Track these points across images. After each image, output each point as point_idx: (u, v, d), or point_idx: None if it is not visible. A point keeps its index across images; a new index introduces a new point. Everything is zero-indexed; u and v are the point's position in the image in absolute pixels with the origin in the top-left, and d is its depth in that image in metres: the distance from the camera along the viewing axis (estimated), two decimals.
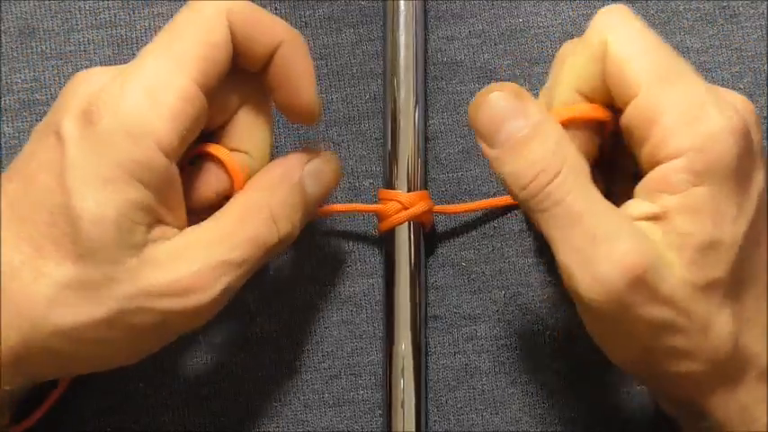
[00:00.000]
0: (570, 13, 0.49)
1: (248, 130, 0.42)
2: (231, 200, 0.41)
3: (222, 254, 0.39)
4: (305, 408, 0.47)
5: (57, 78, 0.48)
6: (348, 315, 0.48)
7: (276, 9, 0.49)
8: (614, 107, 0.40)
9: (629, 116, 0.38)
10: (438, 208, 0.47)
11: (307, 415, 0.47)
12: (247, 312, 0.47)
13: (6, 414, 0.41)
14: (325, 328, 0.48)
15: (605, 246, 0.36)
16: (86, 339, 0.38)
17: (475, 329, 0.48)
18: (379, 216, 0.47)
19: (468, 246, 0.48)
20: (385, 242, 0.47)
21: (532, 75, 0.49)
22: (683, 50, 0.49)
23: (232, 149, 0.42)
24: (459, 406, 0.48)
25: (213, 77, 0.39)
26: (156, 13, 0.49)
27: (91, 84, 0.38)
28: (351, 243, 0.48)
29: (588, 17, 0.49)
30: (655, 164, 0.37)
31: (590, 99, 0.40)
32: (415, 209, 0.46)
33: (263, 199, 0.41)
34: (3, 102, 0.48)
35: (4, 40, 0.49)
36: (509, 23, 0.49)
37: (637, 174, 0.39)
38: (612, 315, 0.37)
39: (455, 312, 0.48)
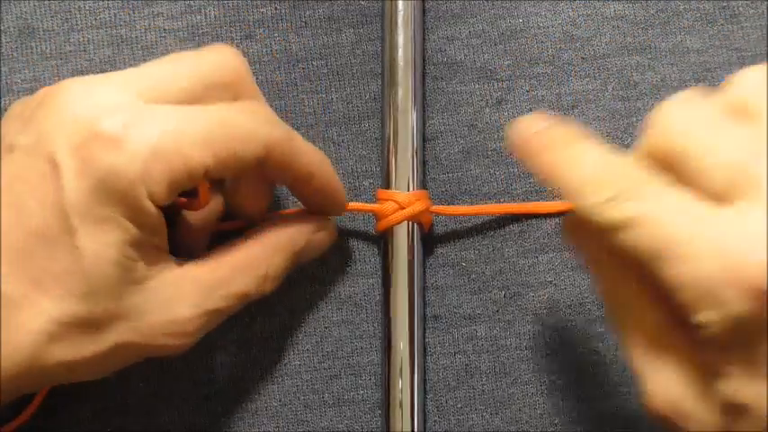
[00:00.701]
0: (570, 13, 0.49)
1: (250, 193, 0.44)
2: (236, 244, 0.43)
3: (214, 303, 0.41)
4: (305, 408, 0.47)
5: (56, 78, 0.48)
6: (348, 315, 0.48)
7: (276, 9, 0.49)
8: None
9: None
10: (435, 208, 0.47)
11: (307, 415, 0.47)
12: (247, 312, 0.47)
13: None
14: (325, 328, 0.48)
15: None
16: (82, 369, 0.39)
17: (475, 329, 0.48)
18: (377, 216, 0.47)
19: (468, 246, 0.48)
20: (383, 242, 0.47)
21: (532, 75, 0.49)
22: (683, 50, 0.49)
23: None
24: (459, 406, 0.48)
25: (225, 172, 0.40)
26: (156, 13, 0.49)
27: (85, 104, 0.38)
28: (351, 243, 0.48)
29: (588, 17, 0.49)
30: None
31: None
32: (411, 209, 0.46)
33: (263, 258, 0.43)
34: (3, 102, 0.48)
35: (4, 40, 0.48)
36: (509, 23, 0.49)
37: None
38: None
39: (455, 312, 0.48)
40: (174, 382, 0.47)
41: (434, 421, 0.47)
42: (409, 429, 0.46)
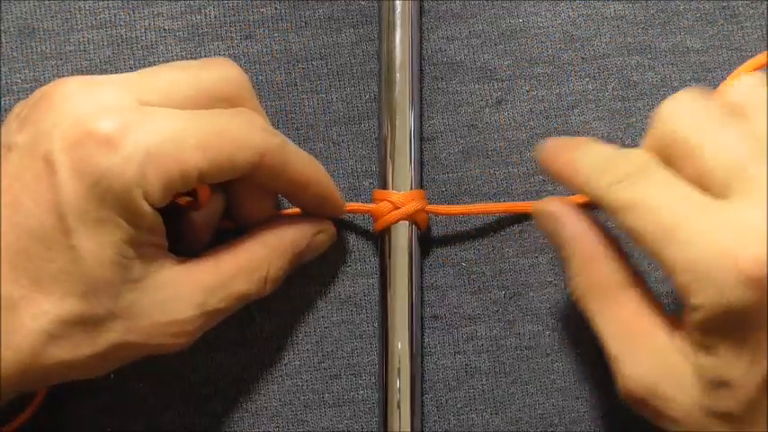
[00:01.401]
0: (570, 13, 0.49)
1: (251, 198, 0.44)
2: (238, 244, 0.43)
3: (213, 303, 0.41)
4: (305, 408, 0.47)
5: (56, 78, 0.48)
6: (348, 315, 0.48)
7: (276, 9, 0.49)
8: None
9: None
10: (430, 208, 0.47)
11: (307, 415, 0.47)
12: (247, 312, 0.47)
13: None
14: (325, 328, 0.48)
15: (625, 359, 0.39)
16: (81, 368, 0.39)
17: (475, 329, 0.48)
18: (373, 216, 0.47)
19: (468, 246, 0.48)
20: (380, 242, 0.47)
21: (532, 75, 0.49)
22: (683, 50, 0.49)
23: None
24: (459, 406, 0.48)
25: (219, 177, 0.40)
26: (156, 13, 0.49)
27: (82, 104, 0.38)
28: (351, 243, 0.48)
29: (588, 17, 0.49)
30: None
31: None
32: (405, 208, 0.46)
33: (265, 259, 0.43)
34: (3, 102, 0.48)
35: (4, 40, 0.48)
36: (509, 23, 0.49)
37: None
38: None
39: (455, 312, 0.48)
40: (174, 382, 0.47)
41: (434, 421, 0.47)
42: (407, 429, 0.45)
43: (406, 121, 0.47)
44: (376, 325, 0.48)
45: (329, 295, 0.48)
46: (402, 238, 0.46)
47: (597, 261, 0.40)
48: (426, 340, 0.48)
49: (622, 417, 0.47)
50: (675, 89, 0.49)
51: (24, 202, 0.37)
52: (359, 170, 0.49)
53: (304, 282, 0.48)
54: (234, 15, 0.49)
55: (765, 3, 0.49)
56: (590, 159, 0.40)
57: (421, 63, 0.49)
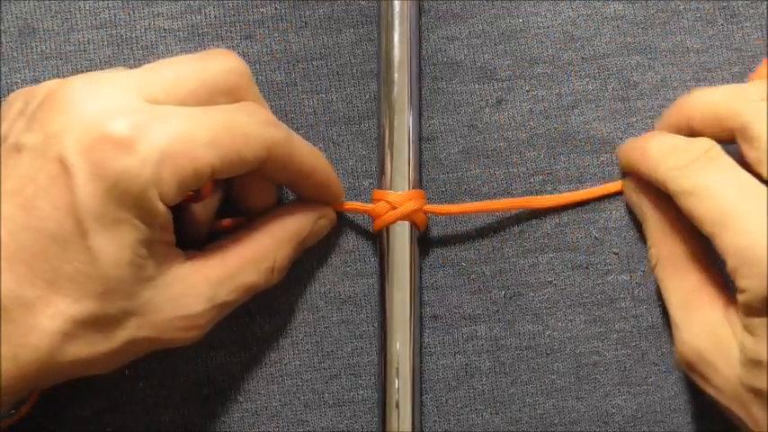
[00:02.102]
0: (570, 13, 0.49)
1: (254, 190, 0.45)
2: (243, 236, 0.43)
3: (223, 296, 0.42)
4: (305, 408, 0.47)
5: (56, 78, 0.48)
6: (348, 315, 0.48)
7: (276, 9, 0.49)
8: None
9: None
10: (428, 207, 0.47)
11: (307, 415, 0.47)
12: (247, 312, 0.47)
13: None
14: (325, 328, 0.48)
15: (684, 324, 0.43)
16: (95, 365, 0.39)
17: (475, 329, 0.48)
18: (372, 216, 0.47)
19: (468, 246, 0.48)
20: (378, 242, 0.47)
21: (532, 75, 0.49)
22: (683, 50, 0.49)
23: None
24: (459, 406, 0.48)
25: (230, 172, 0.40)
26: (156, 13, 0.49)
27: (92, 105, 0.38)
28: (351, 243, 0.48)
29: (588, 17, 0.49)
30: None
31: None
32: (402, 208, 0.46)
33: (271, 249, 0.44)
34: (3, 102, 0.48)
35: (4, 40, 0.48)
36: (509, 23, 0.49)
37: None
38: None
39: (455, 312, 0.48)
40: (174, 382, 0.47)
41: (434, 421, 0.47)
42: (406, 429, 0.45)
43: (404, 120, 0.47)
44: (376, 325, 0.48)
45: (329, 295, 0.48)
46: (400, 238, 0.46)
47: (670, 235, 0.44)
48: (426, 340, 0.48)
49: (622, 417, 0.47)
50: (675, 89, 0.49)
51: (40, 204, 0.37)
52: (359, 170, 0.49)
53: (304, 282, 0.48)
54: (234, 15, 0.49)
55: (765, 3, 0.49)
56: (658, 147, 0.43)
57: (420, 63, 0.49)
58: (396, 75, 0.47)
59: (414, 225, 0.47)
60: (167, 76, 0.40)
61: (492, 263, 0.48)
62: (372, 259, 0.48)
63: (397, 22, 0.47)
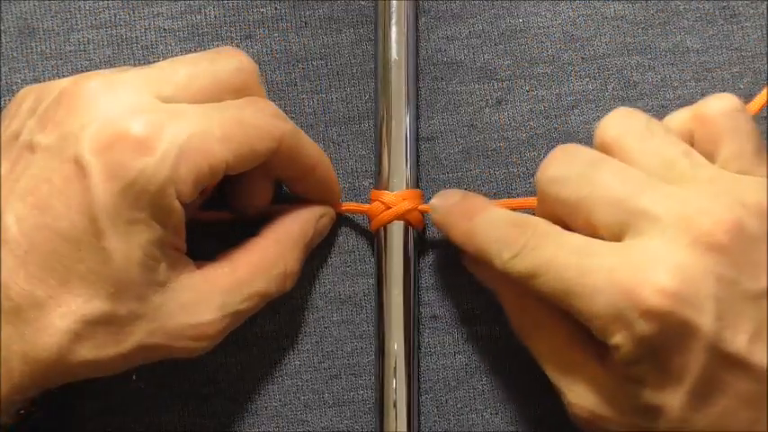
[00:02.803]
0: (570, 14, 0.49)
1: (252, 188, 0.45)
2: (251, 245, 0.43)
3: (235, 305, 0.42)
4: (305, 408, 0.47)
5: (56, 78, 0.48)
6: (348, 315, 0.48)
7: (276, 9, 0.49)
8: None
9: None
10: (424, 207, 0.47)
11: (307, 415, 0.47)
12: None
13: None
14: (325, 328, 0.48)
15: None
16: (103, 368, 0.39)
17: (475, 329, 0.48)
18: (369, 216, 0.47)
19: None
20: (376, 242, 0.47)
21: (532, 75, 0.49)
22: (683, 50, 0.49)
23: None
24: (459, 406, 0.48)
25: (243, 167, 0.41)
26: (156, 13, 0.49)
27: (107, 105, 0.38)
28: (351, 243, 0.48)
29: (588, 17, 0.49)
30: None
31: None
32: (397, 208, 0.46)
33: (280, 255, 0.44)
34: (3, 102, 0.48)
35: (4, 40, 0.48)
36: (509, 23, 0.49)
37: None
38: None
39: (455, 312, 0.48)
40: (174, 382, 0.47)
41: (434, 421, 0.47)
42: (404, 429, 0.45)
43: (402, 120, 0.47)
44: (376, 325, 0.48)
45: (329, 295, 0.48)
46: (397, 238, 0.46)
47: (524, 299, 0.42)
48: (426, 340, 0.48)
49: None
50: (675, 89, 0.49)
51: (54, 204, 0.38)
52: (359, 170, 0.49)
53: (304, 282, 0.48)
54: (234, 15, 0.49)
55: (765, 3, 0.49)
56: (486, 234, 0.41)
57: (417, 62, 0.49)
58: (393, 74, 0.47)
59: (410, 225, 0.47)
60: (180, 75, 0.40)
61: None
62: (371, 259, 0.48)
63: (394, 21, 0.47)
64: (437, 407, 0.47)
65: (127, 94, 0.38)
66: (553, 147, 0.48)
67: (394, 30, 0.47)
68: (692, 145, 0.42)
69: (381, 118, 0.47)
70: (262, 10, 0.49)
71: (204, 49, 0.47)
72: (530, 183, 0.48)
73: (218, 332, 0.41)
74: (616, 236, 0.38)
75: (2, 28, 0.49)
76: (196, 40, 0.49)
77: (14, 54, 0.49)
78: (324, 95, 0.49)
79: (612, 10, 0.49)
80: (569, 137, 0.49)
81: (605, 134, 0.41)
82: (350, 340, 0.48)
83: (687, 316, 0.37)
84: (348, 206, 0.47)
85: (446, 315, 0.48)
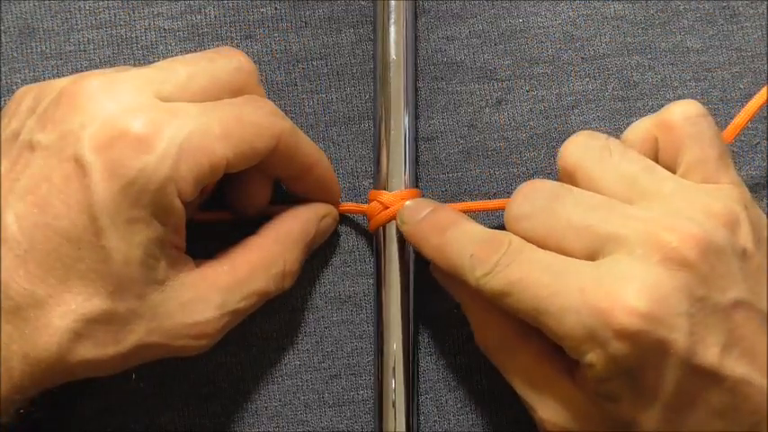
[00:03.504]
0: (570, 14, 0.49)
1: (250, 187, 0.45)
2: (251, 243, 0.43)
3: (233, 303, 0.42)
4: (305, 408, 0.47)
5: (56, 78, 0.48)
6: (348, 315, 0.48)
7: (276, 9, 0.49)
8: None
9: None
10: None
11: (307, 415, 0.47)
12: None
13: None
14: (325, 328, 0.48)
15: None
16: (103, 367, 0.39)
17: None
18: (367, 216, 0.47)
19: None
20: (374, 242, 0.47)
21: (532, 75, 0.49)
22: (683, 50, 0.49)
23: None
24: (459, 406, 0.48)
25: (243, 164, 0.41)
26: (156, 13, 0.49)
27: (108, 104, 0.38)
28: (351, 243, 0.48)
29: (588, 17, 0.49)
30: None
31: None
32: (393, 208, 0.46)
33: (279, 254, 0.44)
34: (3, 102, 0.48)
35: (4, 40, 0.49)
36: (509, 23, 0.49)
37: None
38: None
39: (455, 312, 0.48)
40: (174, 382, 0.47)
41: (434, 421, 0.47)
42: (403, 429, 0.45)
43: (400, 120, 0.47)
44: (376, 325, 0.48)
45: (329, 295, 0.48)
46: (396, 238, 0.46)
47: (490, 319, 0.42)
48: (426, 340, 0.48)
49: None
50: (675, 89, 0.49)
51: (54, 203, 0.38)
52: (359, 170, 0.49)
53: (304, 282, 0.48)
54: (234, 15, 0.49)
55: (765, 3, 0.49)
56: (458, 250, 0.41)
57: (416, 62, 0.49)
58: (392, 74, 0.47)
59: None
60: (180, 75, 0.40)
61: None
62: (371, 259, 0.48)
63: (392, 21, 0.47)
64: (437, 407, 0.48)
65: (127, 94, 0.39)
66: (553, 147, 0.49)
67: (393, 30, 0.47)
68: (656, 153, 0.42)
69: (380, 118, 0.47)
70: (262, 10, 0.49)
71: (204, 49, 0.47)
72: None
73: (217, 331, 0.41)
74: (589, 258, 0.38)
75: (2, 28, 0.49)
76: (196, 40, 0.49)
77: (14, 54, 0.49)
78: (324, 95, 0.49)
79: (612, 10, 0.49)
80: (569, 137, 0.48)
81: (566, 161, 0.41)
82: (350, 340, 0.48)
83: (660, 335, 0.37)
84: (346, 206, 0.47)
85: (446, 315, 0.48)
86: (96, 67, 0.48)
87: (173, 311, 0.40)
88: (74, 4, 0.49)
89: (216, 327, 0.41)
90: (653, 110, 0.48)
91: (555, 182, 0.41)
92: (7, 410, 0.39)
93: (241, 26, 0.49)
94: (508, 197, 0.48)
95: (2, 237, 0.38)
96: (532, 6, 0.49)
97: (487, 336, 0.43)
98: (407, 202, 0.45)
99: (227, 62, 0.42)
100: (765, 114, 0.48)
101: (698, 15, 0.49)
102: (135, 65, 0.48)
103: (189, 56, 0.42)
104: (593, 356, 0.37)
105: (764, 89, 0.45)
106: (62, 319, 0.38)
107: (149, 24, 0.49)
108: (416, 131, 0.48)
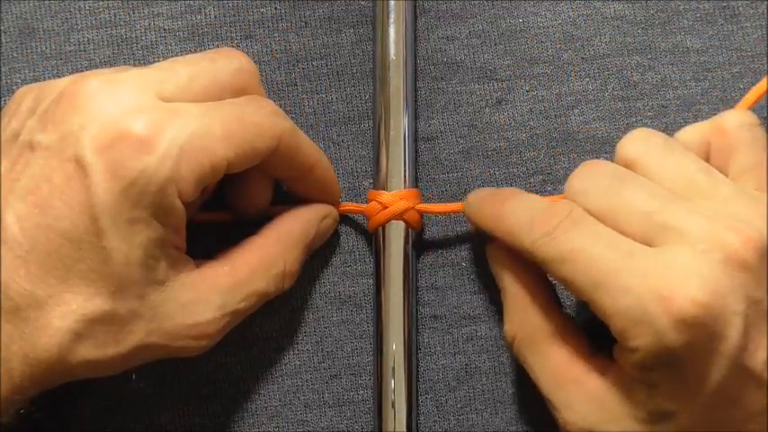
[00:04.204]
0: (570, 14, 0.49)
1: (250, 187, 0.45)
2: (251, 244, 0.43)
3: (233, 304, 0.42)
4: (305, 408, 0.47)
5: (56, 78, 0.48)
6: (348, 315, 0.48)
7: (276, 9, 0.49)
8: None
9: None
10: (421, 207, 0.47)
11: (307, 415, 0.47)
12: None
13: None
14: (325, 328, 0.48)
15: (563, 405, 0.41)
16: (103, 367, 0.39)
17: (475, 329, 0.48)
18: (367, 216, 0.47)
19: (467, 245, 0.48)
20: (374, 242, 0.47)
21: (532, 75, 0.49)
22: (683, 50, 0.49)
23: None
24: (459, 406, 0.48)
25: (244, 165, 0.41)
26: (156, 13, 0.49)
27: (109, 105, 0.38)
28: (351, 243, 0.48)
29: (588, 17, 0.49)
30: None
31: None
32: (393, 208, 0.46)
33: (280, 254, 0.44)
34: (3, 102, 0.48)
35: (4, 40, 0.49)
36: (509, 23, 0.49)
37: None
38: None
39: (455, 312, 0.48)
40: (174, 382, 0.47)
41: (434, 421, 0.47)
42: (403, 429, 0.45)
43: (400, 120, 0.47)
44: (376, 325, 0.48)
45: (329, 295, 0.48)
46: (395, 238, 0.46)
47: (530, 312, 0.42)
48: (426, 340, 0.48)
49: None
50: (675, 89, 0.49)
51: (55, 204, 0.38)
52: (359, 170, 0.49)
53: (304, 282, 0.48)
54: (234, 15, 0.49)
55: (765, 3, 0.49)
56: (517, 213, 0.41)
57: (416, 62, 0.49)
58: (391, 74, 0.47)
59: (408, 224, 0.46)
60: (180, 75, 0.40)
61: None
62: (371, 259, 0.48)
63: (392, 21, 0.47)
64: (437, 407, 0.48)
65: (127, 94, 0.39)
66: (553, 147, 0.48)
67: (392, 30, 0.47)
68: (708, 157, 0.42)
69: (380, 118, 0.47)
70: (262, 10, 0.49)
71: (204, 50, 0.48)
72: (530, 183, 0.48)
73: (217, 331, 0.41)
74: (643, 242, 0.39)
75: (2, 28, 0.49)
76: (196, 40, 0.49)
77: (14, 54, 0.49)
78: (324, 95, 0.49)
79: (612, 10, 0.49)
80: (569, 137, 0.49)
81: (627, 152, 0.42)
82: (350, 340, 0.48)
83: (716, 329, 0.37)
84: (345, 206, 0.47)
85: (446, 315, 0.48)
86: (96, 67, 0.48)
87: (173, 312, 0.40)
88: (74, 4, 0.49)
89: (216, 327, 0.41)
90: (653, 110, 0.48)
91: (620, 166, 0.41)
92: (7, 411, 0.39)
93: (241, 26, 0.49)
94: None
95: (2, 237, 0.38)
96: (532, 6, 0.49)
97: (522, 329, 0.43)
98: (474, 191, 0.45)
99: (228, 63, 0.42)
100: (766, 115, 0.48)
101: (698, 15, 0.49)
102: (135, 65, 0.48)
103: (190, 56, 0.42)
104: (642, 340, 0.37)
105: (764, 80, 0.45)
106: (62, 320, 0.38)
107: (149, 24, 0.49)
108: (416, 131, 0.48)
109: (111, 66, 0.48)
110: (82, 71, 0.48)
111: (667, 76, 0.49)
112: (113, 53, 0.49)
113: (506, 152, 0.49)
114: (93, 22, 0.49)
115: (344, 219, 0.48)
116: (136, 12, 0.49)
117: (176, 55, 0.48)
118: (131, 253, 0.38)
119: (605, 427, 0.39)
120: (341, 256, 0.48)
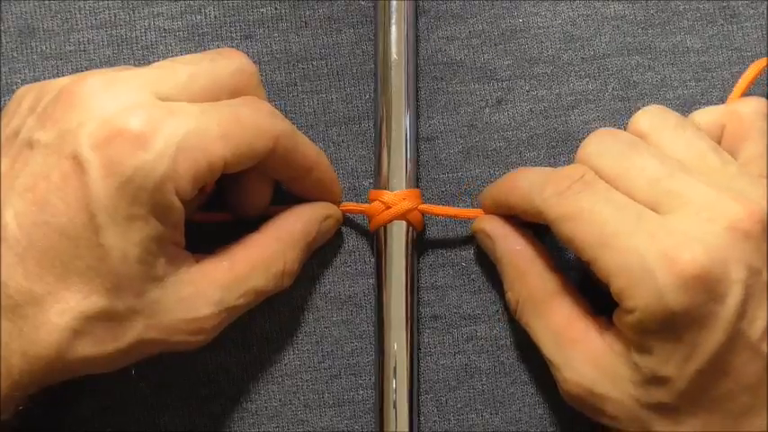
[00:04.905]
0: (570, 14, 0.49)
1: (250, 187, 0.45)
2: (251, 241, 0.43)
3: (231, 300, 0.42)
4: (305, 408, 0.47)
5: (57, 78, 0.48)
6: (348, 315, 0.48)
7: (276, 9, 0.49)
8: None
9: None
10: (423, 207, 0.47)
11: (307, 415, 0.47)
12: (247, 312, 0.47)
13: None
14: (325, 328, 0.48)
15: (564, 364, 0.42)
16: (101, 364, 0.39)
17: (475, 329, 0.48)
18: (368, 216, 0.47)
19: (467, 245, 0.48)
20: (375, 242, 0.47)
21: (532, 75, 0.49)
22: (683, 50, 0.49)
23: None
24: (459, 406, 0.48)
25: (241, 165, 0.41)
26: (156, 13, 0.49)
27: (107, 102, 0.38)
28: (351, 243, 0.48)
29: (588, 17, 0.49)
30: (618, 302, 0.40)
31: None
32: (396, 208, 0.46)
33: (279, 252, 0.44)
34: (3, 102, 0.48)
35: (4, 40, 0.49)
36: (509, 23, 0.49)
37: None
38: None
39: (455, 312, 0.48)
40: (174, 382, 0.47)
41: (434, 421, 0.47)
42: (404, 429, 0.45)
43: (401, 120, 0.47)
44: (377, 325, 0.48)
45: (329, 295, 0.48)
46: (397, 238, 0.46)
47: (528, 275, 0.43)
48: (426, 340, 0.48)
49: None
50: (675, 89, 0.49)
51: (52, 201, 0.38)
52: (359, 170, 0.49)
53: (304, 282, 0.48)
54: (234, 15, 0.49)
55: (765, 3, 0.49)
56: (530, 177, 0.43)
57: (417, 62, 0.49)
58: (392, 74, 0.47)
59: (410, 224, 0.46)
60: (180, 75, 0.41)
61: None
62: (372, 259, 0.48)
63: (393, 21, 0.47)
64: (437, 407, 0.48)
65: (125, 92, 0.39)
66: (553, 147, 0.49)
67: (393, 30, 0.47)
68: (719, 141, 0.43)
69: (381, 118, 0.47)
70: (262, 10, 0.49)
71: (204, 50, 0.48)
72: None
73: (213, 327, 0.41)
74: (650, 208, 0.39)
75: (2, 28, 0.49)
76: (196, 40, 0.49)
77: (14, 54, 0.49)
78: (324, 95, 0.49)
79: (612, 10, 0.49)
80: (569, 137, 0.49)
81: (639, 125, 0.43)
82: (350, 340, 0.48)
83: (717, 293, 0.37)
84: (347, 206, 0.47)
85: (446, 315, 0.48)
86: (96, 67, 0.48)
87: (171, 307, 0.40)
88: (74, 4, 0.49)
89: (213, 323, 0.41)
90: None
91: (632, 135, 0.42)
92: (7, 408, 0.39)
93: (241, 26, 0.49)
94: None
95: (1, 235, 0.38)
96: (532, 6, 0.49)
97: (522, 291, 0.44)
98: None
99: (228, 63, 0.42)
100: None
101: (698, 15, 0.49)
102: (135, 65, 0.48)
103: (190, 56, 0.42)
104: (641, 300, 0.38)
105: (763, 60, 0.45)
106: (61, 317, 0.38)
107: (149, 24, 0.49)
108: (417, 131, 0.48)
109: (111, 66, 0.48)
110: (82, 71, 0.48)
111: (667, 76, 0.49)
112: (113, 53, 0.49)
113: (506, 152, 0.49)
114: (93, 22, 0.49)
115: (345, 219, 0.48)
116: (136, 12, 0.49)
117: (176, 55, 0.48)
118: (129, 250, 0.38)
119: (601, 387, 0.40)
120: (341, 256, 0.48)
